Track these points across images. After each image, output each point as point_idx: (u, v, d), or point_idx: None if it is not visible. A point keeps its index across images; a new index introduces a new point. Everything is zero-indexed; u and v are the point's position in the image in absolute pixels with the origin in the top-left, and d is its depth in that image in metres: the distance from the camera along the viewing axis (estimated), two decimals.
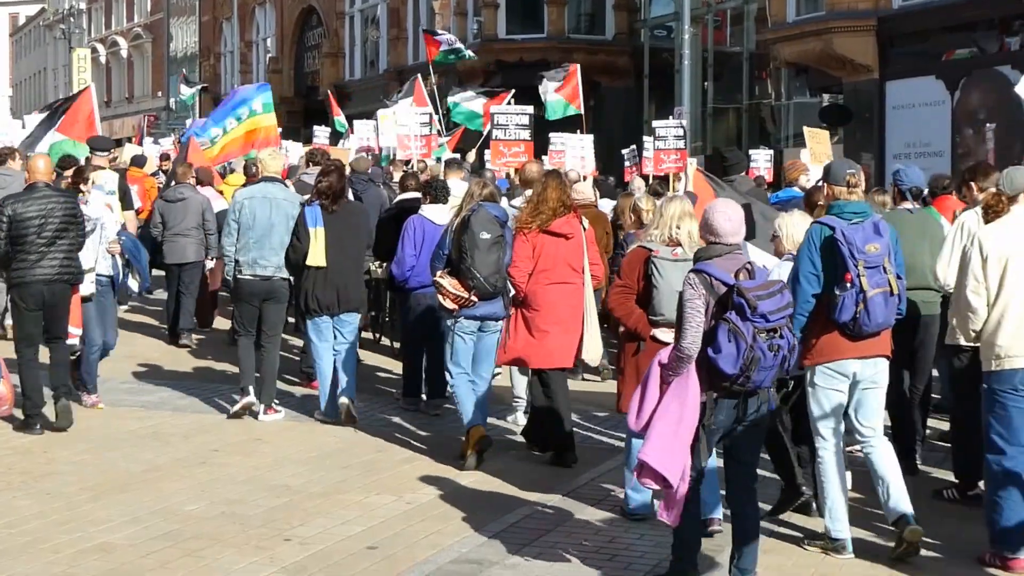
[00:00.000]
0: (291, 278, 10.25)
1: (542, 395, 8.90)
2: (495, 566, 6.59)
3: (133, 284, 11.11)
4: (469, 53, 25.82)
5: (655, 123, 17.73)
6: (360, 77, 43.04)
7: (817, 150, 15.93)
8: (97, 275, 10.07)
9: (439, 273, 8.69)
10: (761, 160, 21.33)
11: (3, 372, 9.27)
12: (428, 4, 39.65)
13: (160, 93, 61.23)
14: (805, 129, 17.06)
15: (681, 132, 16.78)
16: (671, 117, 21.47)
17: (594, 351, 9.04)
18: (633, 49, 34.07)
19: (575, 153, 17.59)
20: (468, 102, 19.97)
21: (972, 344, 6.99)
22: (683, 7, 26.48)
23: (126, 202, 12.93)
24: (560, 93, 18.90)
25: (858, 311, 6.55)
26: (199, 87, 24.69)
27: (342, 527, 7.23)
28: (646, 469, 5.93)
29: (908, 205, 8.70)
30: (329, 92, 30.47)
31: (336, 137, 23.58)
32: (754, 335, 5.74)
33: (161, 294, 15.46)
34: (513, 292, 8.81)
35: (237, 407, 10.11)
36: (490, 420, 9.36)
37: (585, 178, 15.23)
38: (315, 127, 25.08)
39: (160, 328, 15.15)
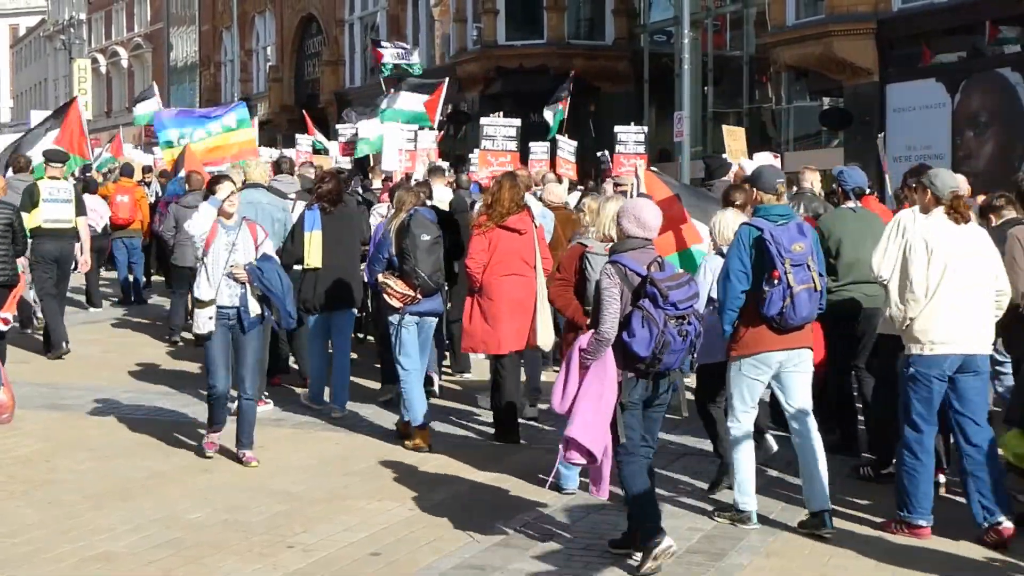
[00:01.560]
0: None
1: (500, 378, 9.58)
2: (498, 571, 6.57)
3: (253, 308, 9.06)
4: (419, 66, 26.24)
5: (616, 128, 18.17)
6: (360, 84, 43.07)
7: (734, 147, 16.94)
8: (218, 307, 8.62)
9: (384, 274, 9.39)
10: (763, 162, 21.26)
11: (3, 379, 9.26)
12: (427, 11, 39.71)
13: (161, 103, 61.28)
14: (724, 128, 17.58)
15: (641, 138, 17.53)
16: (675, 122, 21.68)
17: (545, 337, 9.54)
18: (633, 54, 34.08)
19: (561, 156, 18.44)
20: (407, 103, 20.06)
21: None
22: (683, 12, 26.51)
23: (79, 209, 13.71)
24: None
25: (785, 305, 7.04)
26: (152, 109, 25.36)
27: (345, 533, 7.21)
28: (572, 445, 6.53)
29: (851, 204, 9.10)
30: (304, 112, 30.33)
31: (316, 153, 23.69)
32: (665, 321, 6.38)
33: (158, 299, 15.49)
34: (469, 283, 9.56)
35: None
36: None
37: (560, 180, 15.70)
38: (297, 135, 25.14)
39: (160, 333, 15.17)
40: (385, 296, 9.37)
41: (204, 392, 11.42)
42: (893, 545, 7.05)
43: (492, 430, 9.86)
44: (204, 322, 8.62)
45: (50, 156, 14.38)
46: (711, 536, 7.24)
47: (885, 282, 7.35)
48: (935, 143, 22.83)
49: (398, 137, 16.96)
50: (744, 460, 7.39)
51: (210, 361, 8.77)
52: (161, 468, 8.73)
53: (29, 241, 12.11)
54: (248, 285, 8.60)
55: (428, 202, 10.67)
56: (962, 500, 7.88)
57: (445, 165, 16.98)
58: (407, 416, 9.46)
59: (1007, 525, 7.02)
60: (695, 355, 6.78)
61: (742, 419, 7.40)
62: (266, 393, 10.50)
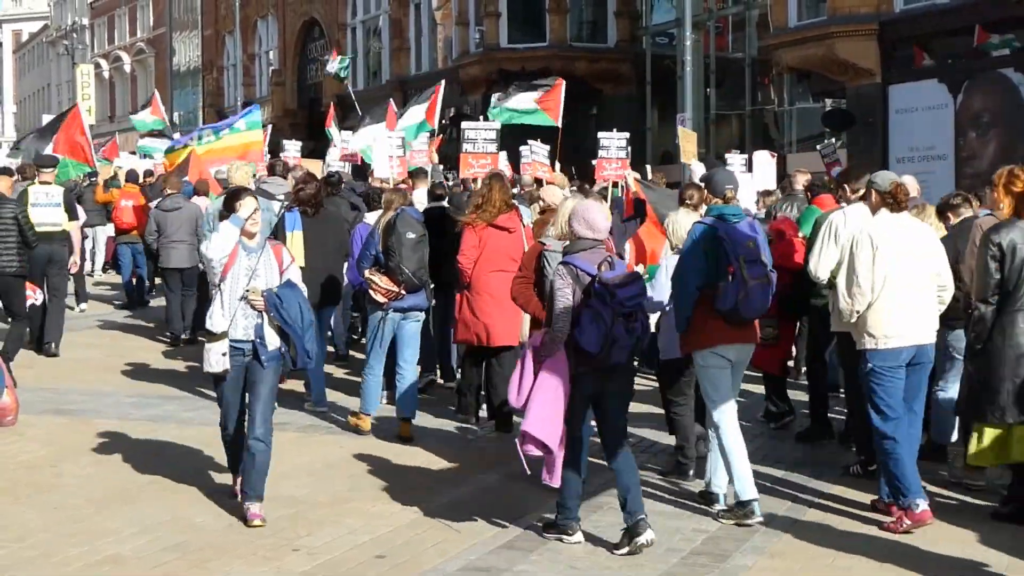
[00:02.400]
0: None
1: (482, 372, 10.02)
2: (503, 573, 6.58)
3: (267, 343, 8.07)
4: (341, 74, 26.73)
5: (599, 134, 18.47)
6: (363, 88, 43.10)
7: (687, 149, 17.44)
8: (231, 342, 7.50)
9: (370, 271, 9.75)
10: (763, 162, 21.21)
11: (7, 382, 9.27)
12: (430, 14, 39.75)
13: (163, 107, 61.36)
14: (679, 129, 17.84)
15: (623, 143, 18.09)
16: (679, 123, 21.76)
17: (525, 332, 9.56)
18: (635, 56, 34.09)
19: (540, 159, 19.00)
20: (413, 118, 20.57)
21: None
22: (685, 14, 26.50)
23: (71, 214, 14.19)
24: (540, 104, 19.42)
25: (739, 299, 7.32)
26: (154, 121, 25.86)
27: (350, 536, 7.23)
28: (528, 438, 6.85)
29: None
30: (332, 104, 30.61)
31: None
32: (613, 318, 6.66)
33: (159, 301, 15.68)
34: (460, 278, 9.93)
35: None
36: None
37: (550, 183, 15.85)
38: (285, 141, 25.31)
39: (162, 337, 15.21)
40: (371, 292, 9.71)
41: (209, 399, 11.51)
42: (897, 546, 7.06)
43: (495, 433, 9.90)
44: (216, 359, 7.47)
45: (40, 162, 14.88)
46: (715, 537, 7.25)
47: (821, 282, 7.70)
48: (938, 144, 22.82)
49: (387, 145, 17.44)
50: (737, 452, 7.52)
51: (221, 402, 7.83)
52: (166, 472, 8.72)
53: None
54: (265, 315, 7.47)
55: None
56: (961, 499, 7.91)
57: (429, 168, 17.38)
58: (364, 406, 10.01)
59: (925, 508, 7.29)
60: (646, 349, 7.31)
61: (725, 410, 7.59)
62: None
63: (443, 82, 22.14)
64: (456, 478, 8.59)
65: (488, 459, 9.10)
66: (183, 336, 14.83)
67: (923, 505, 7.27)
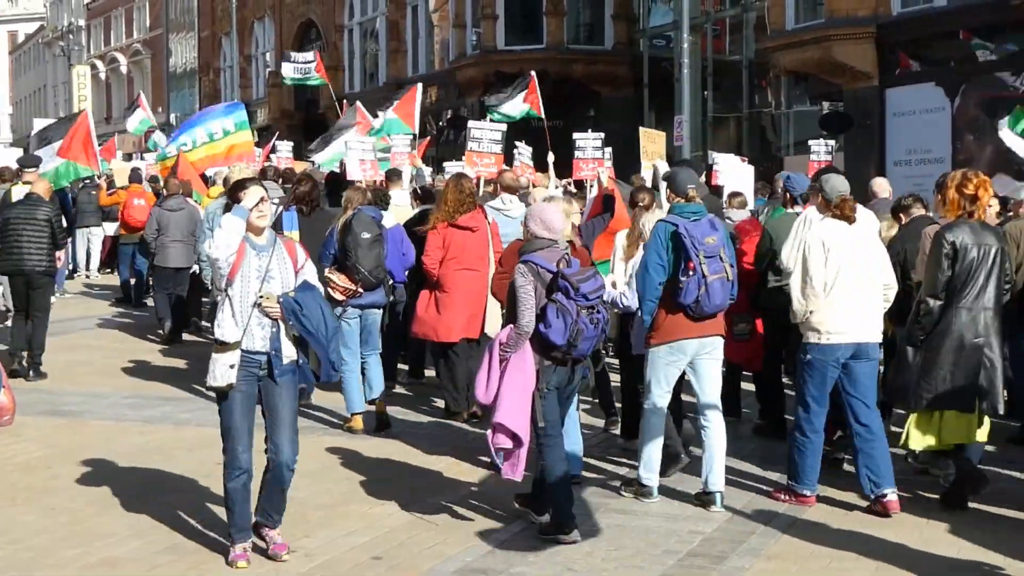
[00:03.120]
0: None
1: (451, 364, 10.41)
2: (500, 575, 6.58)
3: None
4: (318, 79, 26.82)
5: (575, 135, 18.79)
6: (360, 90, 43.09)
7: (650, 149, 17.47)
8: (244, 352, 6.60)
9: (328, 269, 9.93)
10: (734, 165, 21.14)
11: (4, 382, 9.26)
12: (427, 16, 39.76)
13: (160, 109, 61.31)
14: (641, 130, 18.08)
15: (599, 144, 18.29)
16: (675, 126, 21.86)
17: (494, 327, 9.85)
18: (632, 59, 34.09)
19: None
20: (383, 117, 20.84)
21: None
22: (682, 16, 26.50)
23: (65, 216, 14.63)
24: (527, 102, 19.90)
25: (700, 294, 7.64)
26: (142, 121, 26.13)
27: (347, 538, 7.22)
28: (501, 430, 7.06)
29: (799, 208, 9.38)
30: (344, 102, 30.73)
31: None
32: (577, 311, 6.98)
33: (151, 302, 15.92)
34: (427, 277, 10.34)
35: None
36: None
37: (535, 185, 16.47)
38: (277, 142, 25.35)
39: (156, 338, 15.22)
40: (329, 290, 9.79)
41: (205, 400, 11.45)
42: (894, 548, 7.06)
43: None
44: (224, 371, 6.53)
45: (23, 162, 15.60)
46: (712, 539, 7.25)
47: (789, 271, 7.95)
48: (935, 147, 22.85)
49: (358, 149, 17.64)
50: (654, 439, 7.95)
51: (228, 428, 6.64)
52: (163, 473, 8.72)
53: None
54: (282, 323, 6.61)
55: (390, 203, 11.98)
56: (973, 504, 7.92)
57: (411, 171, 17.69)
58: (349, 406, 10.20)
59: (892, 498, 7.70)
60: (609, 342, 7.69)
61: (657, 400, 7.97)
62: None
63: (420, 84, 22.35)
64: (453, 479, 8.59)
65: (485, 460, 9.08)
66: (166, 334, 15.19)
67: (810, 494, 7.89)
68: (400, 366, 12.51)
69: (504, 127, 17.99)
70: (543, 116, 19.85)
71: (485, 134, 17.42)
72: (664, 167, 14.76)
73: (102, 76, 71.62)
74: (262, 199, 6.60)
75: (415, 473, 8.80)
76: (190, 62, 60.84)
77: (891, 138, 24.01)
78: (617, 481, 8.38)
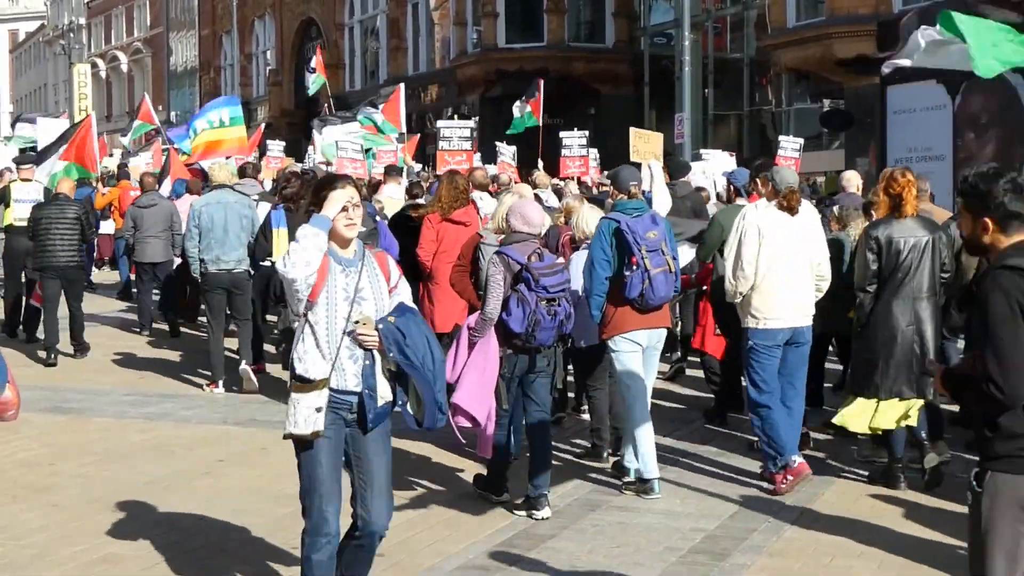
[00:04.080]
0: (251, 270, 11.90)
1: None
2: (501, 572, 6.57)
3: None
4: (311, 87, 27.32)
5: (562, 134, 19.10)
6: (360, 88, 43.12)
7: (642, 148, 17.66)
8: (333, 393, 5.33)
9: None
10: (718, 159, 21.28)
11: (9, 376, 9.24)
12: (427, 14, 39.77)
13: (160, 107, 61.36)
14: (632, 130, 18.30)
15: (584, 142, 19.05)
16: (676, 124, 22.02)
17: None
18: (633, 57, 34.11)
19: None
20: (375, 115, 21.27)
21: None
22: (683, 14, 26.51)
23: None
24: (531, 106, 20.39)
25: (644, 287, 7.89)
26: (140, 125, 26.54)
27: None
28: (459, 411, 7.43)
29: (742, 201, 9.67)
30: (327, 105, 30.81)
31: None
32: (537, 302, 7.38)
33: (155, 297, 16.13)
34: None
35: (219, 388, 11.65)
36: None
37: (516, 182, 16.76)
38: (269, 142, 25.50)
39: (161, 337, 15.22)
40: None
41: (206, 398, 11.43)
42: (896, 545, 7.05)
43: None
44: (308, 416, 5.30)
45: (19, 160, 16.16)
46: (714, 536, 7.24)
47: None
48: (936, 145, 22.79)
49: (348, 148, 18.34)
50: (645, 431, 8.08)
51: (313, 485, 5.38)
52: (164, 471, 8.72)
53: (2, 237, 15.34)
54: (379, 355, 5.37)
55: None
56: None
57: (405, 168, 18.32)
58: None
59: (800, 461, 8.10)
60: (571, 334, 8.05)
61: (633, 390, 8.14)
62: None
63: (402, 85, 22.75)
64: (456, 477, 8.58)
65: (487, 457, 9.06)
66: (147, 330, 15.68)
67: (798, 459, 8.09)
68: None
69: (472, 124, 18.65)
70: (540, 122, 20.13)
71: (454, 132, 18.17)
72: (657, 167, 14.90)
73: (103, 74, 71.65)
74: (352, 203, 5.47)
75: (415, 470, 8.79)
76: (190, 60, 60.89)
77: (892, 136, 23.96)
78: (618, 479, 8.38)
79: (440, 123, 18.85)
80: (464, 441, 8.39)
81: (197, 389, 11.88)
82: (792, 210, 8.06)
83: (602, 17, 34.95)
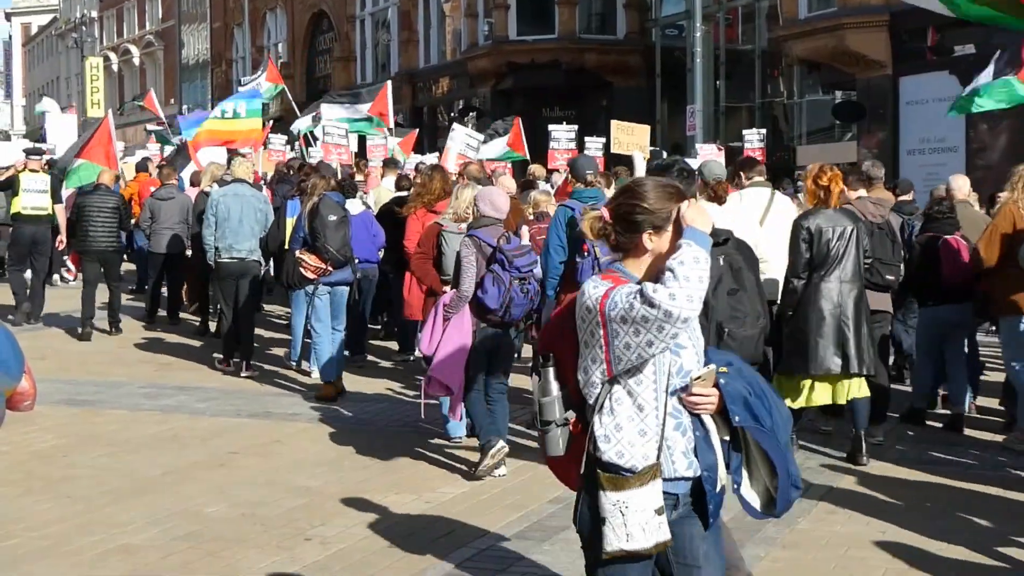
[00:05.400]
0: (262, 259, 12.63)
1: None
2: (515, 563, 6.58)
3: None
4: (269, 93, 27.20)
5: (550, 127, 19.27)
6: (372, 81, 43.08)
7: (625, 140, 18.14)
8: (666, 485, 3.85)
9: (300, 251, 10.89)
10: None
11: (26, 367, 9.29)
12: (439, 7, 39.70)
13: (172, 100, 61.43)
14: (613, 123, 18.48)
15: (572, 135, 19.22)
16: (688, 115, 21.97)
17: None
18: (645, 48, 34.02)
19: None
20: (351, 114, 21.34)
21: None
22: (695, 5, 26.46)
23: (55, 198, 15.81)
24: (510, 145, 20.26)
25: (594, 274, 7.71)
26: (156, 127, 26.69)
27: (362, 526, 7.23)
28: (434, 382, 8.26)
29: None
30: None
31: None
32: (511, 281, 8.01)
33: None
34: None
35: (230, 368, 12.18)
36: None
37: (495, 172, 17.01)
38: (271, 135, 25.51)
39: (175, 329, 15.28)
40: (300, 269, 10.84)
41: (220, 390, 11.46)
42: (910, 537, 7.05)
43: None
44: (646, 522, 3.76)
45: (28, 151, 16.85)
46: (727, 528, 7.23)
47: None
48: (949, 136, 22.77)
49: (334, 134, 18.56)
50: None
51: None
52: (178, 462, 8.76)
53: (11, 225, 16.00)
54: (710, 422, 3.93)
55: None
56: (984, 491, 7.91)
57: (402, 160, 18.51)
58: (318, 371, 11.29)
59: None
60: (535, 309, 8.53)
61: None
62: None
63: (389, 83, 22.74)
64: (465, 470, 8.59)
65: None
66: (147, 322, 16.08)
67: None
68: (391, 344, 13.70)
69: (481, 137, 19.20)
70: (527, 158, 20.02)
71: (466, 140, 18.63)
72: (639, 159, 15.38)
73: (115, 67, 71.71)
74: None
75: (430, 462, 8.82)
76: (202, 53, 60.90)
77: (904, 127, 23.93)
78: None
79: (458, 127, 19.21)
80: (424, 417, 9.18)
81: (211, 381, 11.92)
82: (719, 200, 8.22)
83: (613, 9, 34.85)
